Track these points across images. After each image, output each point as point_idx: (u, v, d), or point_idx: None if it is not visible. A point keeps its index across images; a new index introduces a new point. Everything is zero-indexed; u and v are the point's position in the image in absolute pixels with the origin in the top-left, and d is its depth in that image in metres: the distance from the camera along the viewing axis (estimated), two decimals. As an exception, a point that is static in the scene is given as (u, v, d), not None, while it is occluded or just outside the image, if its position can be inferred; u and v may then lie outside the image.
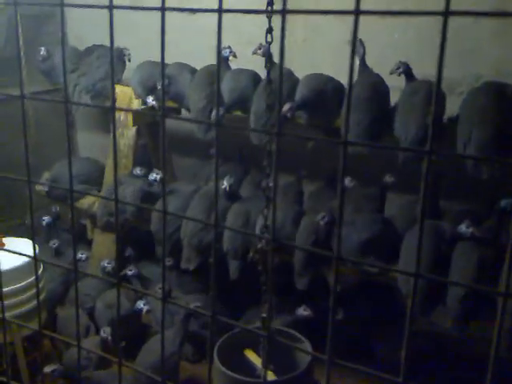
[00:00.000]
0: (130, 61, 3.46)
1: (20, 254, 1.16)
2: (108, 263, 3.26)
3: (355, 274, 2.96)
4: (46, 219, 3.69)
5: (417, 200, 2.92)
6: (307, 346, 2.01)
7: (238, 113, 2.98)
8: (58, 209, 3.87)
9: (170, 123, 3.77)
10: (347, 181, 2.99)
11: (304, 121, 2.74)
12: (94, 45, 3.64)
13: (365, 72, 2.70)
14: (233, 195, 3.03)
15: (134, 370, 2.75)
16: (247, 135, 2.84)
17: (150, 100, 3.25)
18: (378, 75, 2.70)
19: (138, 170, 3.36)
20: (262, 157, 2.38)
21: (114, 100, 0.91)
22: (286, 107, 2.55)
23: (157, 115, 3.52)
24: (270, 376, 1.91)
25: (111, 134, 3.54)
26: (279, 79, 0.78)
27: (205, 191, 3.09)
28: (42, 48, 3.64)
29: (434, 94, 0.69)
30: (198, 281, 3.44)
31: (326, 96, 2.72)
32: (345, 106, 2.65)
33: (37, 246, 2.60)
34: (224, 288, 2.97)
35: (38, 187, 3.68)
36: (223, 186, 2.91)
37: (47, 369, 2.46)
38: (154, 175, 3.20)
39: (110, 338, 2.75)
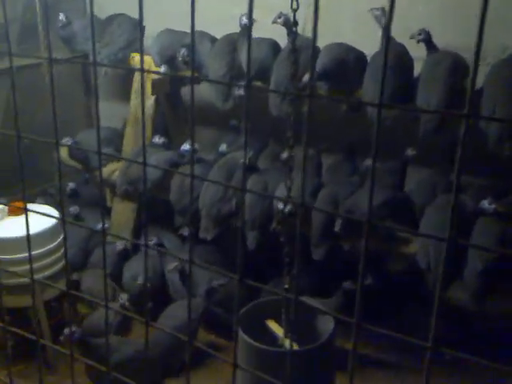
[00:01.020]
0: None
1: (47, 215, 1.17)
2: (120, 244, 3.30)
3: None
4: (71, 185, 3.75)
5: (437, 173, 2.90)
6: (330, 317, 2.02)
7: (258, 83, 2.95)
8: (86, 176, 3.92)
9: (188, 93, 3.75)
10: (370, 160, 2.96)
11: (325, 91, 2.70)
12: (115, 14, 3.61)
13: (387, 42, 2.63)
14: (251, 167, 3.03)
15: (153, 334, 2.82)
16: (266, 107, 2.82)
17: (163, 69, 3.23)
18: (401, 45, 2.64)
19: (157, 139, 3.36)
20: (280, 129, 2.36)
21: (142, 62, 0.91)
22: (306, 77, 2.51)
23: (185, 79, 3.47)
24: (292, 346, 1.93)
25: (132, 102, 3.53)
26: (312, 45, 0.77)
27: (224, 161, 3.08)
28: (62, 14, 3.61)
29: (473, 58, 0.67)
30: (217, 251, 3.47)
31: (347, 66, 2.67)
32: (371, 71, 2.61)
33: (58, 212, 2.66)
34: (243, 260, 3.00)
35: (60, 155, 3.71)
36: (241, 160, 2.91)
37: (66, 331, 2.50)
38: (188, 146, 3.19)
39: (127, 303, 2.80)
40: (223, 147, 3.21)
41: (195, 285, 3.15)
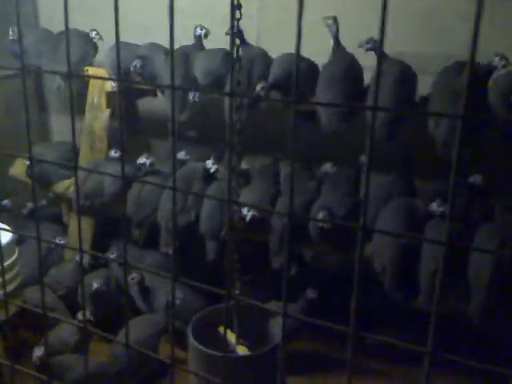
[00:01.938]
0: (102, 40, 3.42)
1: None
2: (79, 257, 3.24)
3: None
4: (28, 207, 3.71)
5: (391, 180, 2.98)
6: (278, 321, 2.04)
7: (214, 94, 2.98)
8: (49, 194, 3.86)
9: (144, 105, 3.74)
10: (328, 166, 3.04)
11: (278, 100, 2.75)
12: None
13: (339, 51, 2.71)
14: (211, 176, 3.04)
15: (110, 354, 2.78)
16: (221, 115, 2.85)
17: (114, 84, 3.24)
18: (351, 55, 2.72)
19: (113, 153, 3.33)
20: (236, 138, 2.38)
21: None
22: (259, 86, 2.55)
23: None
24: (244, 351, 1.95)
25: (86, 116, 3.49)
26: (295, 62, 0.79)
27: (182, 171, 3.08)
28: (11, 29, 3.55)
29: (468, 61, 0.70)
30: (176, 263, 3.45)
31: (299, 76, 2.72)
32: (324, 80, 2.67)
33: (12, 234, 2.58)
34: (202, 270, 3.00)
35: (15, 171, 3.64)
36: (209, 167, 2.94)
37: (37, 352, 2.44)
38: (144, 159, 3.19)
39: (91, 317, 2.77)
40: (182, 154, 3.20)
41: (156, 298, 3.12)
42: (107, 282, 3.15)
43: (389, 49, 2.70)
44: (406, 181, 2.90)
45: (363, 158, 3.01)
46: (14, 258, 2.81)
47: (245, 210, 2.68)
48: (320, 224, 2.58)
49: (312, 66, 2.77)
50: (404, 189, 2.85)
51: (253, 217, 2.68)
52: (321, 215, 2.63)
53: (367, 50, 2.62)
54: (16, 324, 2.93)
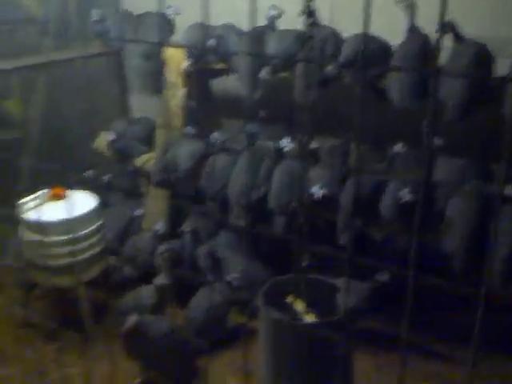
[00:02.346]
0: (179, 14, 3.53)
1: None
2: (159, 227, 3.45)
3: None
4: (107, 177, 3.96)
5: (465, 163, 2.94)
6: (352, 296, 2.11)
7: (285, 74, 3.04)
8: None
9: (218, 85, 3.87)
10: (399, 146, 3.03)
11: (349, 80, 2.77)
12: (147, 12, 3.74)
13: (413, 32, 2.69)
14: (281, 156, 3.13)
15: (184, 318, 2.97)
16: (292, 96, 2.91)
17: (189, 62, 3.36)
18: (425, 35, 2.69)
19: (189, 129, 3.49)
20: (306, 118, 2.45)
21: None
22: (330, 66, 2.59)
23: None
24: (312, 319, 2.04)
25: (164, 94, 3.66)
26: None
27: (252, 151, 3.19)
28: (95, 11, 3.77)
29: None
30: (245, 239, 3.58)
31: (371, 56, 2.73)
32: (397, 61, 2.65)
33: (97, 199, 2.83)
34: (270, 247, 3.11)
35: (98, 145, 3.91)
36: (282, 146, 3.02)
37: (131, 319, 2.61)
38: (217, 136, 3.33)
39: (165, 282, 2.96)
40: (252, 127, 3.28)
41: (226, 271, 3.28)
42: (181, 251, 3.34)
43: (468, 30, 2.66)
44: (482, 165, 2.86)
45: (436, 141, 2.98)
46: (98, 223, 3.05)
47: (315, 188, 2.75)
48: (403, 199, 2.57)
49: (384, 47, 2.77)
50: (479, 173, 2.81)
51: (323, 195, 2.75)
52: (406, 193, 2.62)
53: (444, 33, 2.58)
54: (98, 285, 3.20)
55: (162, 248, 3.24)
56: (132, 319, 2.53)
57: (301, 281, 2.06)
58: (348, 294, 2.12)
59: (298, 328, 1.86)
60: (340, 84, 2.85)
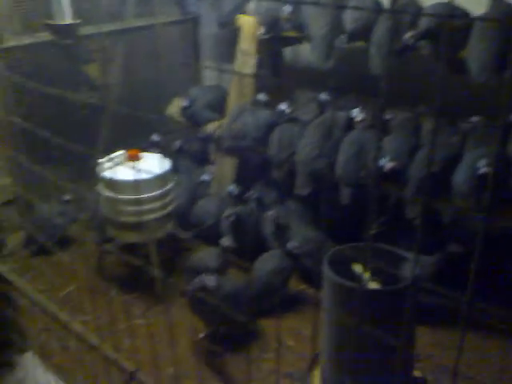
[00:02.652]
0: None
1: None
2: (232, 188, 3.55)
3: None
4: (178, 142, 4.10)
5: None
6: (416, 265, 2.10)
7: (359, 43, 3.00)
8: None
9: (288, 54, 3.87)
10: (474, 120, 2.93)
11: (427, 51, 2.70)
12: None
13: (496, 2, 2.58)
14: (349, 126, 3.12)
15: (247, 279, 3.06)
16: (366, 66, 2.87)
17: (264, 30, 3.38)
18: (510, 5, 2.57)
19: (260, 97, 3.53)
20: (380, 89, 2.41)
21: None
22: (408, 34, 2.54)
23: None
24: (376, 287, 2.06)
25: (236, 62, 3.71)
26: None
27: (322, 119, 3.19)
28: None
29: None
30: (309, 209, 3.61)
31: (451, 26, 2.65)
32: (478, 31, 2.56)
33: (168, 163, 2.94)
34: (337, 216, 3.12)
35: (171, 110, 4.04)
36: (355, 116, 3.01)
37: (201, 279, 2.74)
38: (284, 107, 3.36)
39: (229, 244, 3.06)
40: (324, 96, 3.27)
41: (289, 237, 3.33)
42: (245, 216, 3.42)
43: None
44: None
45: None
46: (169, 186, 3.18)
47: (384, 160, 2.73)
48: (480, 171, 2.50)
49: (465, 16, 2.67)
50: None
51: (392, 167, 2.73)
52: (483, 165, 2.55)
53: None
54: (167, 244, 3.36)
55: (229, 211, 3.34)
56: (200, 280, 2.65)
57: (367, 249, 2.06)
58: (415, 264, 2.11)
59: (363, 293, 1.88)
60: (416, 54, 2.78)
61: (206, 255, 3.18)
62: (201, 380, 1.33)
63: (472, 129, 2.90)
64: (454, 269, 2.71)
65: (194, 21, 4.17)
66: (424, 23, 2.67)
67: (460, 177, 2.62)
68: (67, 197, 3.70)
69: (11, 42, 3.51)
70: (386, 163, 2.76)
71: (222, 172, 3.88)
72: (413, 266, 2.03)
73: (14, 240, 3.58)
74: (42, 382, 1.86)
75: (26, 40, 3.57)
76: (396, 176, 2.80)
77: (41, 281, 3.24)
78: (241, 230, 3.35)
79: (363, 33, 2.90)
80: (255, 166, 3.77)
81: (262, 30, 3.45)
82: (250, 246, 3.29)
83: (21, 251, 3.53)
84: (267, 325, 3.00)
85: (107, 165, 3.12)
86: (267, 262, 3.09)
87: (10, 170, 3.68)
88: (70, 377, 1.84)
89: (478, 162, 2.55)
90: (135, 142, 3.35)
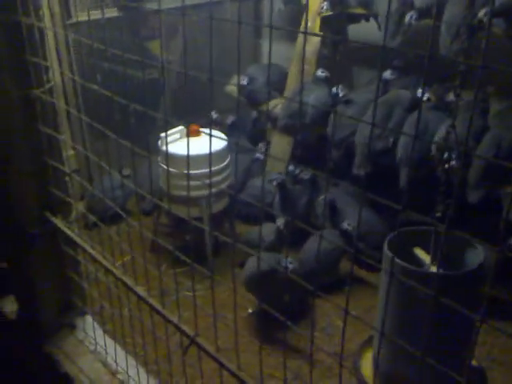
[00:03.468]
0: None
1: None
2: (292, 168, 3.53)
3: None
4: (231, 118, 4.10)
5: None
6: (480, 251, 2.03)
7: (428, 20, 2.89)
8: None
9: (352, 32, 3.78)
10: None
11: (501, 30, 2.57)
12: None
13: None
14: (413, 107, 3.02)
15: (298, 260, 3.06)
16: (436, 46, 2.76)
17: (326, 6, 3.30)
18: None
19: (319, 72, 3.47)
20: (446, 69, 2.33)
21: None
22: (482, 12, 2.41)
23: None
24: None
25: (298, 39, 3.67)
26: None
27: (386, 98, 3.11)
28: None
29: None
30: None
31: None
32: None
33: (225, 140, 2.94)
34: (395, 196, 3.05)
35: (230, 88, 4.04)
36: (420, 96, 2.91)
37: None
38: (337, 90, 3.30)
39: (282, 227, 3.06)
40: (387, 74, 3.19)
41: (341, 218, 3.30)
42: (296, 196, 3.41)
43: None
44: None
45: None
46: (226, 162, 3.21)
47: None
48: None
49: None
50: None
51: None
52: None
53: None
54: (223, 218, 3.39)
55: (273, 176, 3.34)
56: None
57: (429, 233, 2.02)
58: (476, 251, 2.04)
59: (425, 276, 1.83)
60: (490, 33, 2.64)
61: (262, 231, 3.19)
62: (257, 353, 1.35)
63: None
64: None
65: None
66: (500, 1, 2.53)
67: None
68: (127, 171, 3.79)
69: (80, 18, 3.60)
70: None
71: (277, 151, 3.87)
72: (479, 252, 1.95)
73: (79, 208, 3.71)
74: (101, 344, 1.94)
75: (94, 16, 3.64)
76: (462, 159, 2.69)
77: (100, 250, 3.34)
78: (291, 209, 3.35)
79: (434, 10, 2.79)
80: (312, 146, 3.73)
81: (326, 5, 3.38)
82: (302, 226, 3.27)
83: (83, 220, 3.66)
84: (317, 303, 3.00)
85: (168, 139, 3.16)
86: (316, 244, 3.07)
87: (73, 143, 3.82)
88: (129, 341, 1.90)
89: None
90: (194, 119, 3.38)
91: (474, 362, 2.40)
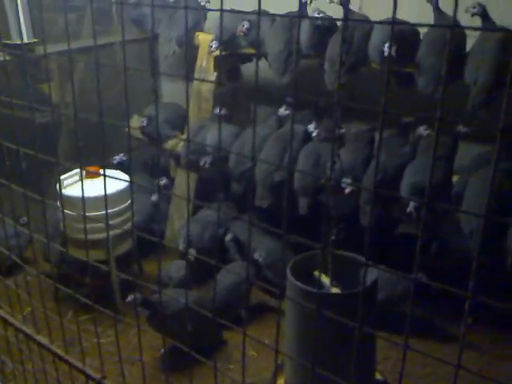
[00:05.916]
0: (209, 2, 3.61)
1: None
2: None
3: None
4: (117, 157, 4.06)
5: (489, 152, 2.95)
6: (374, 270, 2.16)
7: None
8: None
9: (247, 70, 3.95)
10: (422, 129, 3.05)
11: (378, 65, 2.83)
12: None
13: (440, 17, 2.73)
14: (307, 138, 3.20)
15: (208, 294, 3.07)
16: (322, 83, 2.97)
17: (215, 45, 3.42)
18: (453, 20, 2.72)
19: (217, 110, 3.58)
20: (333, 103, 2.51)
21: None
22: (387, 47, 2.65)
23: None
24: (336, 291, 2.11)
25: (191, 83, 3.76)
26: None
27: (280, 133, 3.27)
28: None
29: None
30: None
31: (401, 40, 2.76)
32: (425, 46, 2.68)
33: (127, 180, 2.91)
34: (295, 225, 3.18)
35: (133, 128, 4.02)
36: (311, 131, 3.09)
37: (130, 297, 2.73)
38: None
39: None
40: (281, 110, 3.34)
41: (252, 250, 3.37)
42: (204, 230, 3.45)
43: (499, 19, 2.67)
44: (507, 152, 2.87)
45: (461, 128, 3.00)
46: (128, 203, 3.17)
47: (345, 180, 2.79)
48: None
49: (413, 32, 2.81)
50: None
51: (351, 191, 2.79)
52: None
53: (473, 15, 2.60)
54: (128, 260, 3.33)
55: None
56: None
57: (327, 256, 2.13)
58: (371, 270, 2.18)
59: (322, 298, 1.91)
60: (368, 69, 2.90)
61: (170, 267, 3.18)
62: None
63: (419, 138, 3.01)
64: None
65: (152, 39, 4.20)
66: (374, 41, 2.79)
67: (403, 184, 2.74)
68: (24, 219, 3.61)
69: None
70: (347, 184, 2.80)
71: (182, 188, 3.89)
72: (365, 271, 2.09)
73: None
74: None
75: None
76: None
77: (-2, 304, 3.14)
78: (201, 246, 3.37)
79: (318, 49, 3.01)
80: (215, 181, 3.80)
81: (217, 46, 3.51)
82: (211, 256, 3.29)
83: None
84: (229, 337, 3.01)
85: (66, 182, 3.09)
86: (227, 276, 3.11)
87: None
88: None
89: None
90: (95, 160, 3.33)
91: (379, 376, 2.52)
